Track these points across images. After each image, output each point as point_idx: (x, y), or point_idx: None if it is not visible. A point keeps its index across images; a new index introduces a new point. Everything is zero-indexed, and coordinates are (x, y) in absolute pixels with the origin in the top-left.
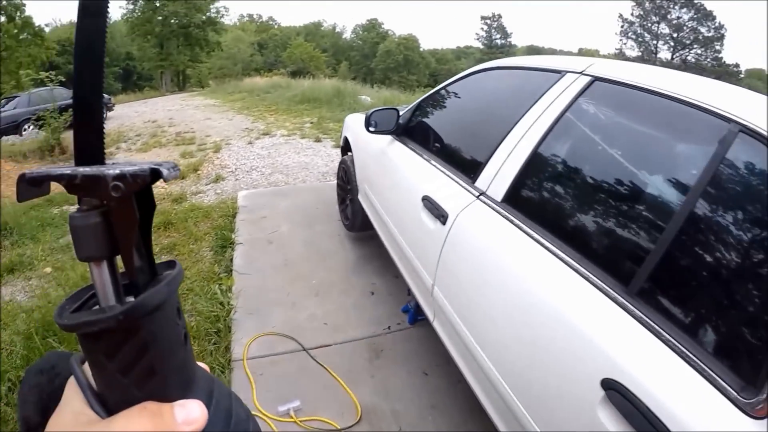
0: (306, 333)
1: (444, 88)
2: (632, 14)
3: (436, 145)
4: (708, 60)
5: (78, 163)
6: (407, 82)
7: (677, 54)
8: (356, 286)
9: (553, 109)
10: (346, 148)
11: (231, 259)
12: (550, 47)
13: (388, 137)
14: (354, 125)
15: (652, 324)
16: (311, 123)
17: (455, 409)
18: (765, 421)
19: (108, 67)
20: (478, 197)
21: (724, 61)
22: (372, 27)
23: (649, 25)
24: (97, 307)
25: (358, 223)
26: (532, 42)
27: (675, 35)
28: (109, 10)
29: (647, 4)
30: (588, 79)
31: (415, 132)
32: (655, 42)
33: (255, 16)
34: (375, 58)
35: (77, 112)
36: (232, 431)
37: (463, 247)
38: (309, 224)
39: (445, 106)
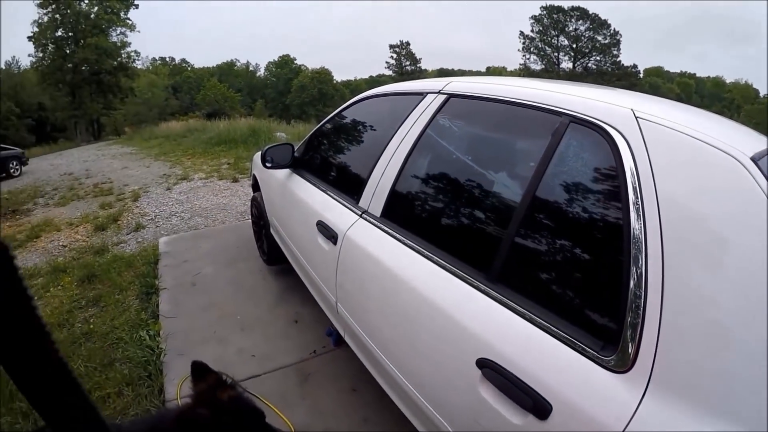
0: (235, 366)
1: (331, 119)
2: (532, 30)
3: (327, 172)
4: (608, 65)
5: None
6: (324, 115)
7: (578, 63)
8: (281, 317)
9: (416, 128)
10: (255, 185)
11: (157, 305)
12: (459, 68)
13: (287, 171)
14: (260, 163)
15: (512, 303)
16: (228, 164)
17: (387, 418)
18: (627, 374)
19: (19, 119)
20: (361, 215)
21: (623, 64)
22: (285, 63)
23: (549, 39)
24: None
25: (274, 257)
26: (442, 65)
27: (574, 46)
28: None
29: (546, 20)
30: (444, 97)
31: (309, 163)
32: (556, 54)
33: (167, 59)
34: (290, 94)
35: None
36: None
37: (353, 262)
38: (231, 263)
39: (332, 136)
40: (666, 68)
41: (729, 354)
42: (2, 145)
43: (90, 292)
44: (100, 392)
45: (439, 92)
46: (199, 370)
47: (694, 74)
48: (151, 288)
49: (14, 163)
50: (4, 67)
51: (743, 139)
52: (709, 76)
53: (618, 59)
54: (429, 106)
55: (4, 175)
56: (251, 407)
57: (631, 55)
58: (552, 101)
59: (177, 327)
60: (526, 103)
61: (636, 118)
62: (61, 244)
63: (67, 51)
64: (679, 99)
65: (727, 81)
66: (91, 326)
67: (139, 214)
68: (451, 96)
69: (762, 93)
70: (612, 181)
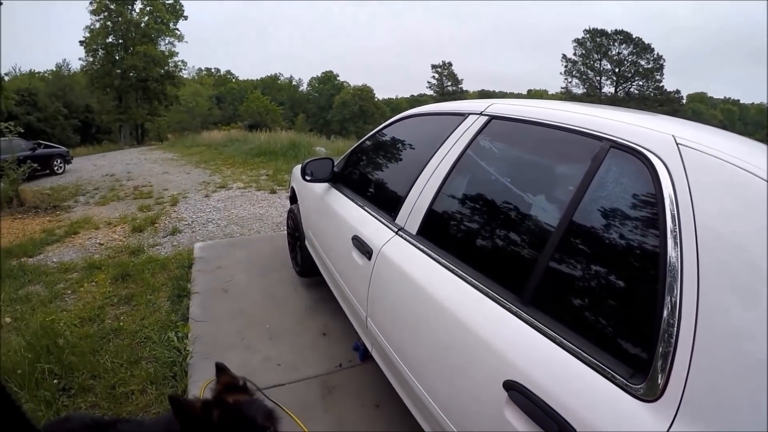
0: (260, 374)
1: (372, 136)
2: (575, 54)
3: (365, 188)
4: (650, 90)
5: None
6: (363, 131)
7: (620, 87)
8: (309, 329)
9: (456, 148)
10: (293, 198)
11: (187, 308)
12: (500, 90)
13: (326, 185)
14: (299, 176)
15: (543, 327)
16: (267, 175)
17: None
18: (655, 404)
19: (67, 119)
20: (397, 232)
21: (666, 89)
22: (328, 79)
23: (592, 62)
24: None
25: (307, 269)
26: (483, 87)
27: (617, 70)
28: None
29: (588, 44)
30: (486, 118)
31: (348, 178)
32: (598, 78)
33: (213, 70)
34: (331, 110)
35: None
36: None
37: (386, 278)
38: (263, 273)
39: (372, 153)
40: (709, 94)
41: (762, 390)
42: (48, 143)
43: (123, 290)
44: (124, 388)
45: (480, 113)
46: (221, 371)
47: (738, 101)
48: (183, 291)
49: (58, 161)
50: (7, 70)
51: None
52: (753, 103)
53: (661, 84)
54: (470, 127)
55: (47, 171)
56: (250, 416)
57: (676, 80)
58: (593, 126)
59: (205, 331)
60: (567, 127)
61: (677, 144)
62: (98, 242)
63: (117, 57)
64: (722, 125)
65: None
66: (121, 323)
67: (176, 218)
68: (492, 117)
69: None
70: (650, 208)
